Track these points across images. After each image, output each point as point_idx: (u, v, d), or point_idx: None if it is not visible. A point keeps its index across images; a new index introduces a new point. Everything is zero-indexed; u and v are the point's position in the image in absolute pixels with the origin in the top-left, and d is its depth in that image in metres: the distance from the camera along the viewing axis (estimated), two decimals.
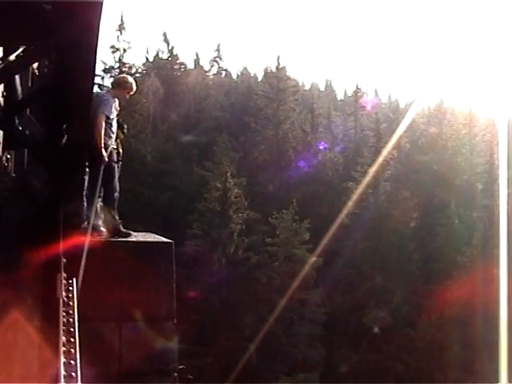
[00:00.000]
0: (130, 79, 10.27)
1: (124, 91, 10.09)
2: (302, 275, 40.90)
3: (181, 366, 9.02)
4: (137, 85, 10.40)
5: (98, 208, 9.82)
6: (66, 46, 4.35)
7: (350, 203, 45.82)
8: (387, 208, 46.98)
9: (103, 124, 9.36)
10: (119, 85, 10.13)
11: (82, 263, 6.53)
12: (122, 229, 9.42)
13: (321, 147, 57.40)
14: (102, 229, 9.54)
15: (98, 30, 4.14)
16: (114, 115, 9.73)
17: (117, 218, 9.45)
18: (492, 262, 40.61)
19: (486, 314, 39.36)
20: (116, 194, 9.56)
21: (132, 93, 10.26)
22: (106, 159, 9.35)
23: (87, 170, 9.40)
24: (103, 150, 9.30)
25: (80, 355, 4.54)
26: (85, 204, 9.36)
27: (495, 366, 34.57)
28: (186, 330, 30.74)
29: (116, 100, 9.84)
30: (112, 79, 53.75)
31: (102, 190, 9.60)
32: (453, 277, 42.60)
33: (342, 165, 56.72)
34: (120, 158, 9.89)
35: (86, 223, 9.20)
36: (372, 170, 47.33)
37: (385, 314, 42.60)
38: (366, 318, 42.50)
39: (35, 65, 7.34)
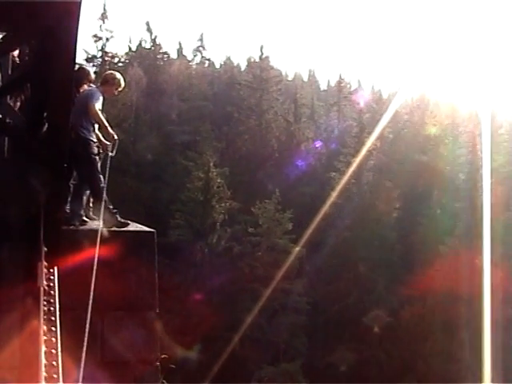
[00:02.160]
0: (118, 75, 10.28)
1: (112, 87, 10.14)
2: (285, 265, 41.00)
3: (163, 356, 9.01)
4: (121, 76, 10.41)
5: (85, 199, 9.84)
6: (46, 33, 4.32)
7: (333, 193, 45.96)
8: (370, 198, 47.17)
9: (100, 114, 9.48)
10: (107, 81, 10.15)
11: (64, 252, 6.49)
12: (119, 219, 9.41)
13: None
14: (85, 218, 9.54)
15: (79, 17, 4.10)
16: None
17: (111, 207, 9.42)
18: (474, 251, 40.99)
19: (469, 303, 39.73)
20: (102, 185, 9.53)
21: (120, 89, 10.34)
22: (112, 152, 9.48)
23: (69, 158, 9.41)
24: (114, 135, 9.57)
25: (61, 344, 4.53)
26: (69, 193, 9.40)
27: (478, 354, 34.98)
28: (169, 319, 30.81)
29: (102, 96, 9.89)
30: (95, 69, 53.55)
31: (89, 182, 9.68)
32: (435, 266, 42.82)
33: (325, 155, 56.79)
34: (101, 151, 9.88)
35: (68, 212, 9.22)
36: (355, 160, 47.47)
37: (367, 303, 42.81)
38: (348, 308, 42.69)
39: (16, 52, 7.28)
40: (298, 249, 42.26)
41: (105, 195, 9.39)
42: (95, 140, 9.59)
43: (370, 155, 48.87)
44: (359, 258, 44.11)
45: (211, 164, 44.20)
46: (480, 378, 33.71)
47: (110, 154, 9.64)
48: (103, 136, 9.82)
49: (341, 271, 44.05)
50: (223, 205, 43.92)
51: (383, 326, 41.99)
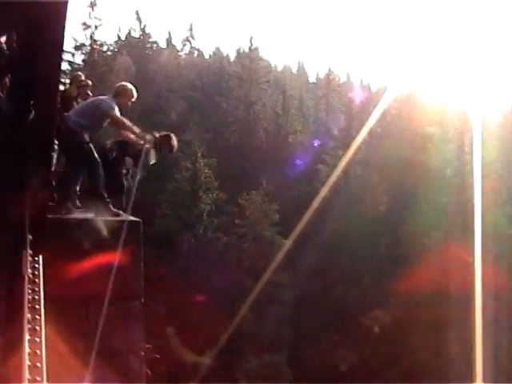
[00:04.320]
0: (129, 86, 10.34)
1: (125, 98, 10.19)
2: (272, 257, 41.02)
3: (148, 346, 9.01)
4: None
5: (72, 188, 9.82)
6: (34, 21, 4.29)
7: (321, 186, 46.01)
8: (357, 192, 47.23)
9: (123, 119, 9.81)
10: (119, 93, 10.17)
11: (49, 241, 6.47)
12: (111, 208, 9.38)
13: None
14: (71, 207, 9.51)
15: (67, 4, 4.08)
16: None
17: (105, 195, 9.40)
18: (460, 246, 41.10)
19: (454, 298, 39.90)
20: (100, 173, 9.51)
21: (133, 99, 10.36)
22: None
23: (56, 147, 9.42)
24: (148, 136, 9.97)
25: (45, 333, 4.52)
26: (56, 182, 9.39)
27: (463, 349, 35.09)
28: (155, 309, 30.78)
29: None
30: (83, 57, 53.36)
31: (84, 172, 9.71)
32: (421, 260, 42.95)
33: (312, 147, 56.80)
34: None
35: (55, 201, 9.20)
36: (343, 154, 47.54)
37: (353, 296, 42.94)
38: (334, 301, 42.80)
39: (3, 39, 7.23)
40: (284, 241, 42.25)
41: (101, 184, 9.39)
42: (87, 140, 9.52)
43: (357, 149, 48.91)
44: (345, 251, 44.22)
45: (199, 154, 44.14)
46: (463, 373, 33.92)
47: (152, 161, 9.93)
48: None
49: (327, 264, 44.13)
50: (210, 195, 43.90)
51: (369, 320, 42.15)
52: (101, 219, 9.06)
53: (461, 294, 39.08)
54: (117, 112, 9.70)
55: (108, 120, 9.74)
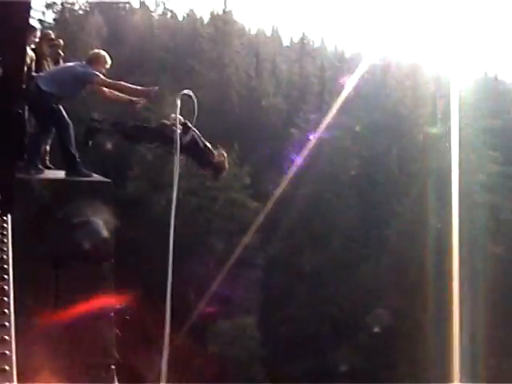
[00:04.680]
0: (102, 53, 10.19)
1: (99, 65, 9.99)
2: (243, 220, 41.13)
3: (118, 307, 9.02)
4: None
5: (43, 148, 9.73)
6: None
7: (293, 150, 46.09)
8: (328, 155, 47.22)
9: (105, 79, 9.78)
10: (92, 61, 10.02)
11: (18, 201, 6.41)
12: (82, 169, 9.30)
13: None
14: (40, 167, 9.43)
15: None
16: None
17: (76, 155, 9.31)
18: (429, 212, 41.61)
19: (426, 262, 40.47)
20: (70, 133, 9.41)
21: (108, 66, 10.22)
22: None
23: (26, 106, 9.30)
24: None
25: (14, 293, 4.49)
26: (26, 141, 9.29)
27: (438, 306, 35.66)
28: (125, 271, 30.72)
29: None
30: (54, 15, 52.47)
31: (53, 130, 9.60)
32: (391, 225, 43.37)
33: (285, 110, 56.65)
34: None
35: (25, 160, 9.11)
36: (314, 118, 47.59)
37: (322, 258, 43.23)
38: (303, 264, 43.10)
39: None
40: (255, 204, 42.31)
41: (72, 144, 9.31)
42: (57, 100, 9.39)
43: (330, 113, 48.87)
44: (316, 215, 44.41)
45: (171, 116, 43.77)
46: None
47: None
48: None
49: (297, 227, 44.33)
50: (181, 157, 43.66)
51: (337, 282, 42.57)
52: (73, 179, 9.02)
53: (433, 259, 39.78)
54: (101, 76, 9.60)
55: (88, 85, 9.63)
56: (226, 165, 11.14)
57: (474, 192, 45.43)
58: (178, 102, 10.18)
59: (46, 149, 10.32)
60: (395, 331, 39.57)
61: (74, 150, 9.26)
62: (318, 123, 46.97)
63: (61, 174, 9.34)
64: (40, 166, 9.39)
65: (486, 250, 41.90)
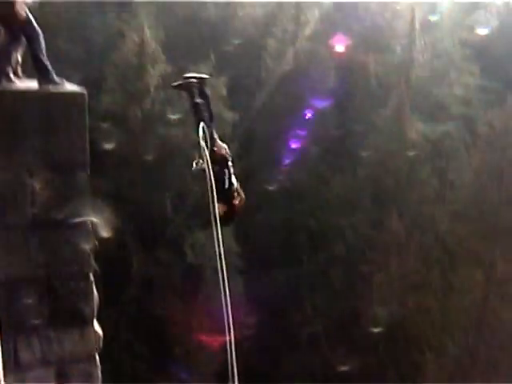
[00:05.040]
0: None
1: None
2: (220, 130, 40.84)
3: (93, 219, 9.08)
4: None
5: (14, 56, 9.56)
6: None
7: (271, 61, 45.66)
8: (304, 64, 46.38)
9: None
10: None
11: None
12: (54, 78, 9.16)
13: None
14: (12, 76, 9.30)
15: None
16: None
17: (48, 65, 9.16)
18: (405, 123, 41.77)
19: (397, 177, 40.96)
20: (41, 41, 9.22)
21: None
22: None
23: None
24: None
25: None
26: None
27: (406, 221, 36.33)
28: (101, 184, 30.83)
29: None
30: None
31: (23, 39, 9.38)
32: (369, 138, 43.34)
33: (262, 20, 55.47)
34: None
35: None
36: (292, 28, 47.03)
37: (302, 174, 43.29)
38: (279, 173, 43.25)
39: None
40: (232, 114, 41.76)
41: (43, 53, 9.16)
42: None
43: (307, 22, 48.11)
44: (290, 124, 44.08)
45: (146, 26, 42.75)
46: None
47: None
48: None
49: (272, 137, 43.98)
50: (158, 69, 42.86)
51: (313, 190, 42.80)
52: (44, 91, 8.94)
53: (404, 173, 40.28)
54: None
55: None
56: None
57: (451, 104, 45.60)
58: None
59: (17, 59, 10.14)
60: (373, 241, 40.17)
61: (45, 59, 9.11)
62: (296, 34, 46.49)
63: (34, 83, 9.23)
64: (12, 76, 9.25)
65: (463, 162, 42.30)
